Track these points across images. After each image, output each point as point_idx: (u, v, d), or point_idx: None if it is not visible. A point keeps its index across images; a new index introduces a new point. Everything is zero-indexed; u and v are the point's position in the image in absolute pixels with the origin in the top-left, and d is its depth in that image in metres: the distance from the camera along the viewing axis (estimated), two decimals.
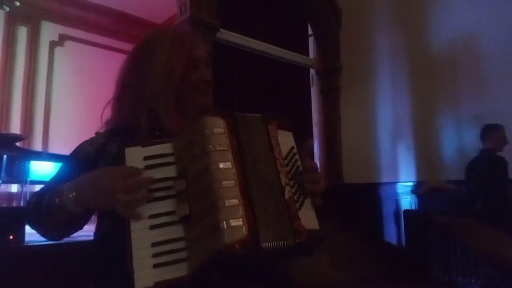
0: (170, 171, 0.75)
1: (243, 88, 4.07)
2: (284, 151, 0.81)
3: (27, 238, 2.45)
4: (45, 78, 5.94)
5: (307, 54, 4.83)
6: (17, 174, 4.07)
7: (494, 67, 3.35)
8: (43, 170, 4.37)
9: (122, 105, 0.91)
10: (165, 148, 0.77)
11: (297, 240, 0.73)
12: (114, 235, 0.77)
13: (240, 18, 4.09)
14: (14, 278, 2.18)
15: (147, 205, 0.71)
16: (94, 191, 0.73)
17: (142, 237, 0.70)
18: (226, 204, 0.68)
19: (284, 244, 0.72)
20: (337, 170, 4.41)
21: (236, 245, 0.66)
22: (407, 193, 3.83)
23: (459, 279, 3.21)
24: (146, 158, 0.75)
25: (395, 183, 3.98)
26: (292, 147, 0.84)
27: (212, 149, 0.71)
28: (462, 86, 3.56)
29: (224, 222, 0.66)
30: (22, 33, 5.79)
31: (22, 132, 5.40)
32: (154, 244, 0.69)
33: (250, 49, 4.12)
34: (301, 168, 0.82)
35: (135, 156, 0.75)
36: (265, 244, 0.69)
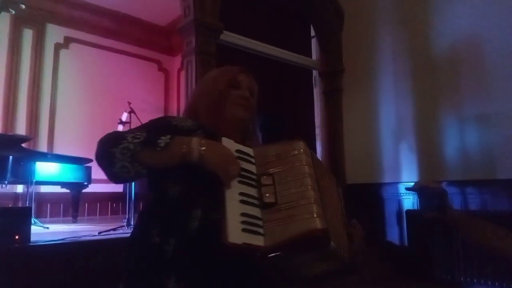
0: (252, 168, 0.91)
1: None
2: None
3: (32, 238, 2.49)
4: (50, 80, 6.01)
5: (310, 56, 4.84)
6: (23, 175, 4.12)
7: (496, 68, 3.35)
8: (48, 170, 4.41)
9: (197, 111, 1.14)
10: (249, 150, 0.94)
11: (350, 256, 0.94)
12: (184, 199, 0.93)
13: (243, 20, 4.12)
14: (20, 277, 2.21)
15: (237, 185, 0.86)
16: (218, 152, 0.88)
17: (234, 206, 0.83)
18: (312, 201, 0.84)
19: (342, 253, 0.90)
20: (340, 170, 4.42)
21: (320, 231, 0.81)
22: (409, 193, 3.83)
23: (462, 278, 3.21)
24: (237, 151, 0.91)
25: (397, 183, 3.98)
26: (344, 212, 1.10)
27: (304, 163, 0.90)
28: (465, 87, 3.56)
29: (313, 212, 0.82)
30: (28, 35, 5.86)
31: (28, 133, 5.46)
32: (243, 214, 0.82)
33: (254, 51, 4.14)
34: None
35: (229, 145, 0.90)
36: (333, 244, 0.84)
